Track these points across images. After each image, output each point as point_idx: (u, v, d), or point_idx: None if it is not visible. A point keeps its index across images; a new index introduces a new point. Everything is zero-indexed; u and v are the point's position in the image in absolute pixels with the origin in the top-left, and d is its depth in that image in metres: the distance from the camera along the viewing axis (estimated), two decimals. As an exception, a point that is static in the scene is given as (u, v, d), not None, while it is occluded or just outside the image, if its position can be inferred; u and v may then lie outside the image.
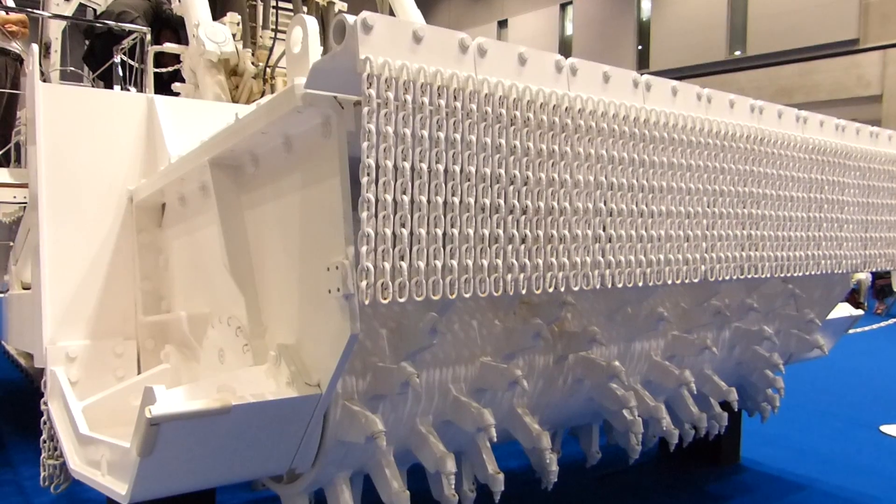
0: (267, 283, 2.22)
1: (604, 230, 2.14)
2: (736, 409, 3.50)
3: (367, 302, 1.65)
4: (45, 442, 2.80)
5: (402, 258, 1.70)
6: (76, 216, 2.89)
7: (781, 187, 2.74)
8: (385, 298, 1.68)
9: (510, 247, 1.90)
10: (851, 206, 3.08)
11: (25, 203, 4.31)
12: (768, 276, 2.69)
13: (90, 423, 2.48)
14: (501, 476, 2.46)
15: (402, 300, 1.70)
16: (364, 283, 1.65)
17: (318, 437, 2.13)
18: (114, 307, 2.92)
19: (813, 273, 2.90)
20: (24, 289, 3.95)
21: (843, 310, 4.36)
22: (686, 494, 4.07)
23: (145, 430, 1.72)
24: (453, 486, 2.37)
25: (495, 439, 2.33)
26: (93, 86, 5.79)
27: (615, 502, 3.96)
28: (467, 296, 1.82)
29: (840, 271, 3.07)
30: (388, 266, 1.68)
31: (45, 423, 2.76)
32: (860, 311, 4.62)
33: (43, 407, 2.75)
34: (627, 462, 3.16)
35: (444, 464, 2.29)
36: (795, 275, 2.81)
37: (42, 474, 2.85)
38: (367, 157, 1.64)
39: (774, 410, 3.81)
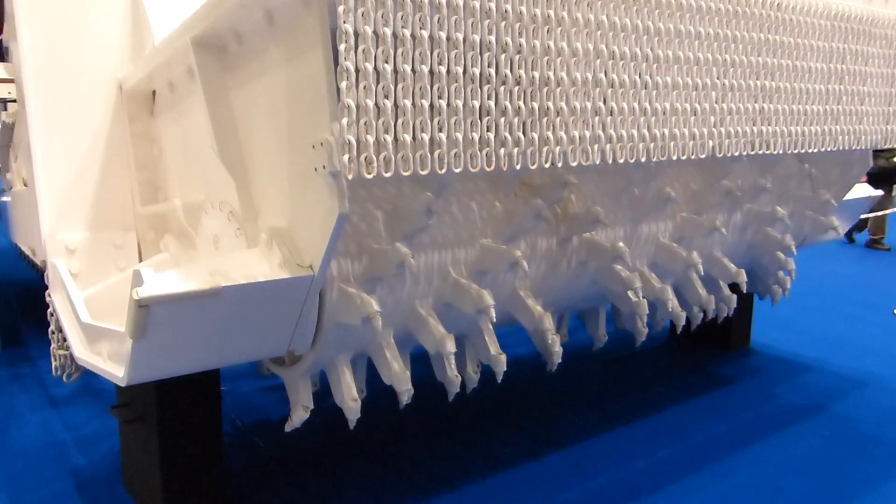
0: (257, 165, 2.15)
1: (604, 103, 2.04)
2: (745, 291, 3.46)
3: (350, 177, 1.59)
4: (52, 333, 2.83)
5: (386, 131, 1.63)
6: (65, 108, 2.80)
7: (799, 57, 2.60)
8: (370, 173, 1.61)
9: (503, 120, 1.82)
10: (874, 78, 2.93)
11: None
12: (780, 151, 2.59)
13: (92, 314, 2.48)
14: (504, 357, 2.46)
15: (387, 175, 1.63)
16: (346, 157, 1.58)
17: (314, 320, 2.11)
18: (111, 198, 2.88)
19: (829, 149, 2.79)
20: (25, 185, 3.93)
21: (861, 190, 4.24)
22: (693, 377, 4.11)
23: (135, 312, 1.71)
24: (454, 368, 2.38)
25: (495, 320, 2.31)
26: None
27: (622, 386, 4.00)
28: (458, 171, 1.75)
29: (859, 147, 2.96)
30: (371, 139, 1.60)
31: (51, 314, 2.78)
32: (879, 192, 4.50)
33: (47, 298, 2.77)
34: (634, 346, 3.16)
35: (444, 345, 2.28)
36: (810, 151, 2.71)
37: (53, 364, 2.89)
38: (345, 23, 1.54)
39: (785, 293, 3.77)
